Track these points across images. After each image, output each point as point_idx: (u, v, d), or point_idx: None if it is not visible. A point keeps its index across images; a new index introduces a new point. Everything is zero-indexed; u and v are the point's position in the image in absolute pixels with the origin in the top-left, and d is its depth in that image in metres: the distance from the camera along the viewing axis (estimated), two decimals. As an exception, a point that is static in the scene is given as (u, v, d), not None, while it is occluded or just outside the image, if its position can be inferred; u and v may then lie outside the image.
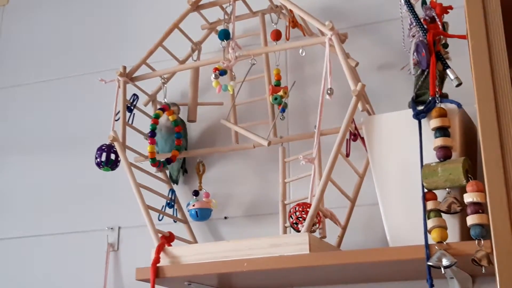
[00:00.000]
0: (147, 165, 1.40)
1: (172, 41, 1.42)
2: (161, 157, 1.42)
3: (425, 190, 1.05)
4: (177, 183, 1.49)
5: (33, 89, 1.77)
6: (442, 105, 1.09)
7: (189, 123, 1.49)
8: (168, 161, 1.41)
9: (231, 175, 1.47)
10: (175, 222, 1.42)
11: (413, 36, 1.16)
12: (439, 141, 1.06)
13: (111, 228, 1.54)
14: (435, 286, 0.99)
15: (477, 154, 1.13)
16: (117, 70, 1.39)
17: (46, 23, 1.82)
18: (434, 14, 1.15)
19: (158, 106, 1.44)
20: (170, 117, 1.42)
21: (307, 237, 1.10)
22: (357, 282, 1.27)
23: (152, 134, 1.37)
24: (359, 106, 1.16)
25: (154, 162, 1.37)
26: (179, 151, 1.43)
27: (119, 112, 1.37)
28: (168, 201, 1.42)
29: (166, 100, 1.44)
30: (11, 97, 1.79)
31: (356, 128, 1.25)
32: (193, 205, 1.39)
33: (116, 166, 1.35)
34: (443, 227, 1.01)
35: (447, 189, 1.04)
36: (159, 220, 1.37)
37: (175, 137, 1.43)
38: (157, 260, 1.20)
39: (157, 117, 1.39)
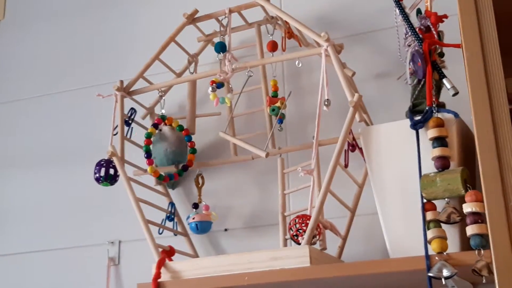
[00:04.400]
0: (146, 179, 1.40)
1: (168, 53, 1.43)
2: (165, 170, 1.42)
3: (424, 201, 1.05)
4: (173, 188, 1.49)
5: (31, 104, 1.77)
6: (439, 115, 1.09)
7: (187, 136, 1.50)
8: (185, 167, 1.41)
9: (230, 187, 1.47)
10: (175, 235, 1.42)
11: (409, 46, 1.16)
12: (437, 151, 1.06)
13: (112, 242, 1.54)
14: (436, 296, 1.00)
15: (476, 163, 1.13)
16: (114, 85, 1.39)
17: (43, 37, 1.82)
18: (429, 23, 1.15)
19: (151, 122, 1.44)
20: (173, 123, 1.42)
21: (307, 249, 1.10)
22: (358, 292, 1.27)
23: (148, 155, 1.37)
24: (357, 116, 1.16)
25: (162, 179, 1.37)
26: (194, 153, 1.43)
27: (117, 126, 1.37)
28: (168, 215, 1.42)
29: (163, 112, 1.44)
30: (8, 112, 1.79)
31: (354, 139, 1.25)
32: (193, 218, 1.39)
33: (115, 181, 1.35)
34: (443, 238, 1.01)
35: (446, 199, 1.04)
36: (159, 234, 1.37)
37: (185, 140, 1.43)
38: (158, 275, 1.20)
39: (149, 136, 1.39)
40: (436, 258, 1.00)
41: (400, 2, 1.19)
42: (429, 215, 1.04)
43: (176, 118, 1.49)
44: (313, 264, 1.09)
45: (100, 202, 1.58)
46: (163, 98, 1.45)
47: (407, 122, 1.11)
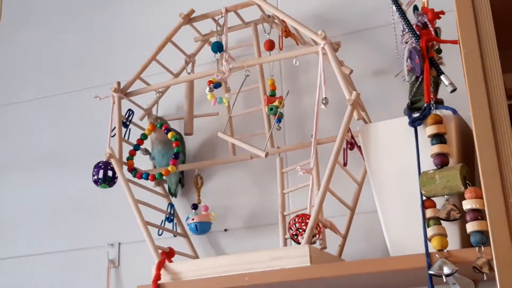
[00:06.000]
0: (144, 180, 1.39)
1: (165, 54, 1.42)
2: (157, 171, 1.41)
3: (424, 198, 1.05)
4: (175, 196, 1.48)
5: (28, 106, 1.76)
6: (438, 112, 1.08)
7: (186, 137, 1.49)
8: (160, 175, 1.40)
9: (229, 187, 1.47)
10: (175, 236, 1.42)
11: (406, 43, 1.16)
12: (436, 148, 1.05)
13: (111, 244, 1.53)
14: (437, 293, 0.99)
15: (475, 159, 1.12)
16: (111, 86, 1.39)
17: (39, 40, 1.82)
18: (426, 20, 1.15)
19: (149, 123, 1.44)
20: (169, 135, 1.41)
21: (307, 249, 1.09)
22: (359, 291, 1.26)
23: (176, 157, 1.38)
24: (355, 114, 1.15)
25: (135, 174, 1.37)
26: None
27: (114, 128, 1.37)
28: (167, 216, 1.41)
29: (157, 114, 1.43)
30: (6, 115, 1.79)
31: (352, 137, 1.24)
32: (193, 219, 1.38)
33: (114, 182, 1.35)
34: (443, 235, 1.01)
35: (445, 196, 1.03)
36: (159, 235, 1.36)
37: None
38: (158, 277, 1.19)
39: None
40: (437, 255, 1.00)
41: (397, -1, 1.18)
42: (429, 213, 1.03)
43: (174, 119, 1.48)
44: (313, 263, 1.09)
45: (99, 204, 1.57)
46: (160, 99, 1.45)
47: (406, 119, 1.11)
